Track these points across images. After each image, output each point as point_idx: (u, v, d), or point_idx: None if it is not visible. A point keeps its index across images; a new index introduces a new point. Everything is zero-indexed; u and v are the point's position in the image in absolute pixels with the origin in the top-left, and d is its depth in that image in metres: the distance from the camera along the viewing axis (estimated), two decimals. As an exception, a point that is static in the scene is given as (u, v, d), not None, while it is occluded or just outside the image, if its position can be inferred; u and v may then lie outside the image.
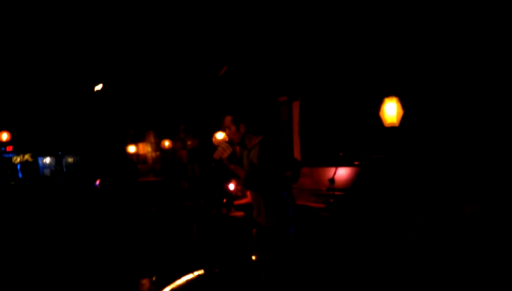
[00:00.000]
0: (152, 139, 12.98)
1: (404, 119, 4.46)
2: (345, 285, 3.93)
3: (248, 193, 4.88)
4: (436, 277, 3.60)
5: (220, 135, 7.46)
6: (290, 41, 6.42)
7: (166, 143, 11.11)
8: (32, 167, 17.04)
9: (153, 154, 12.91)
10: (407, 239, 3.95)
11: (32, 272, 4.90)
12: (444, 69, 4.47)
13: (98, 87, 12.31)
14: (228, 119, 3.00)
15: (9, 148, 17.71)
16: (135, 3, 6.78)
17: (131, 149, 13.06)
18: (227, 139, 3.05)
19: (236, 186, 6.34)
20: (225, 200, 6.07)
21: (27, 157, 18.70)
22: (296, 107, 6.71)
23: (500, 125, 4.00)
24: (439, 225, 3.81)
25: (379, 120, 4.55)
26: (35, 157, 19.35)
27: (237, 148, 3.25)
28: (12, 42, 9.07)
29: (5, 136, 15.85)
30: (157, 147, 12.38)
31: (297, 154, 6.57)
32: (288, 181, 3.09)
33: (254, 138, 2.98)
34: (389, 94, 4.47)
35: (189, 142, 10.50)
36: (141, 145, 13.51)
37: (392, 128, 4.50)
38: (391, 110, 4.44)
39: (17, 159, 18.58)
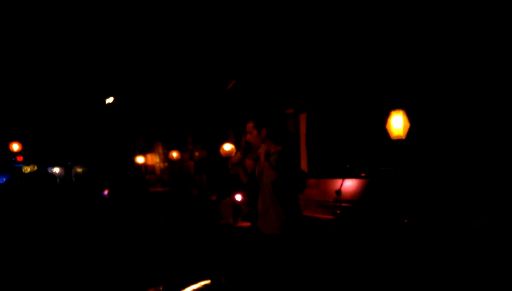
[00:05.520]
0: (160, 150, 13.09)
1: (410, 132, 4.49)
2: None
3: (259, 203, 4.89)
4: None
5: (227, 147, 7.50)
6: (297, 55, 6.50)
7: (174, 154, 11.20)
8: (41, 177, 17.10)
9: (161, 165, 13.01)
10: (414, 252, 3.95)
11: (38, 279, 4.95)
12: (450, 83, 4.51)
13: (109, 100, 12.47)
14: (250, 124, 3.18)
15: (20, 158, 17.86)
16: (145, 18, 6.93)
17: (140, 159, 13.16)
18: (234, 153, 3.19)
19: (243, 197, 6.37)
20: (231, 211, 6.11)
21: (37, 167, 18.82)
22: (303, 119, 6.77)
23: (508, 138, 4.02)
24: (446, 237, 3.81)
25: (385, 133, 4.58)
26: (44, 167, 19.44)
27: (249, 163, 3.34)
28: (24, 54, 9.26)
29: (16, 147, 16.01)
30: (165, 157, 12.48)
31: (304, 165, 6.60)
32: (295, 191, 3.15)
33: (274, 147, 3.09)
34: (395, 107, 4.51)
35: (196, 154, 10.58)
36: (149, 156, 13.63)
37: (398, 141, 4.52)
38: (397, 123, 4.47)
39: (27, 169, 18.71)
